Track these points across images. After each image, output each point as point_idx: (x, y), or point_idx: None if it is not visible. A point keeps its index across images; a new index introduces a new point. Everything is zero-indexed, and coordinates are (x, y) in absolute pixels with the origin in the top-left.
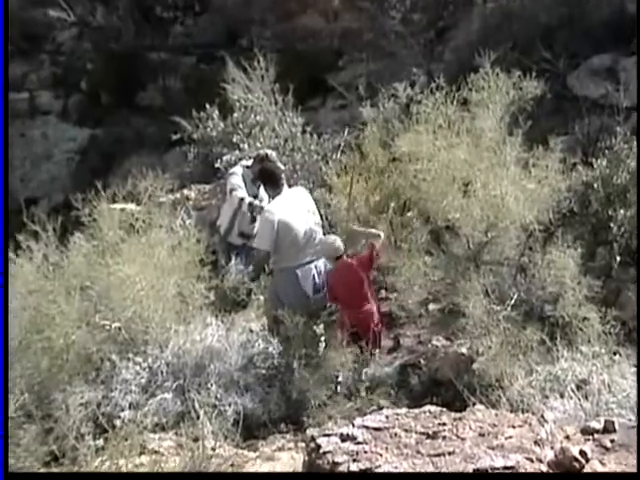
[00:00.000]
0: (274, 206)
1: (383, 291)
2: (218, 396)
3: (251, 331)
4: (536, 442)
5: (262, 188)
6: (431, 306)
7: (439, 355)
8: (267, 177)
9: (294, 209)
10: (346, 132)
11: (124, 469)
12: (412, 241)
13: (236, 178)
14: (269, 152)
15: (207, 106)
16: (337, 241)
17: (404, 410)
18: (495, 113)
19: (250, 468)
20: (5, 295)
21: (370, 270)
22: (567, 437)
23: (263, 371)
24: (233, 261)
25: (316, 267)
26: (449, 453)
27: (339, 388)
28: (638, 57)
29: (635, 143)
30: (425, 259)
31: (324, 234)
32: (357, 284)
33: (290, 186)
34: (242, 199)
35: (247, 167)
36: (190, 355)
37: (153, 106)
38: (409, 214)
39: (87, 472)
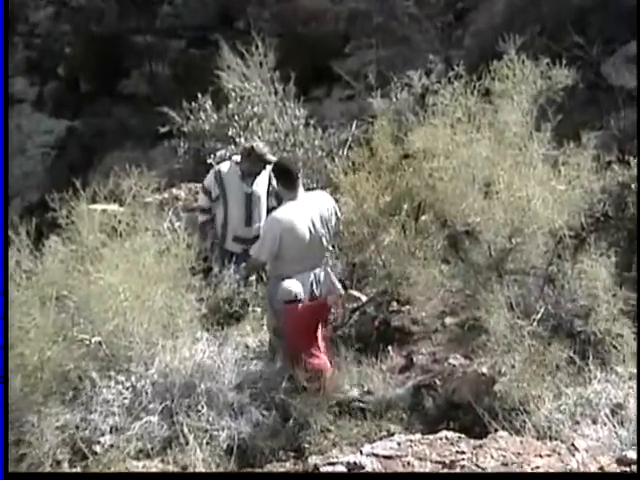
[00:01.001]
0: (280, 214)
1: (394, 303)
2: (209, 419)
3: (247, 347)
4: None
5: (258, 181)
6: (448, 320)
7: (457, 375)
8: (281, 177)
9: (303, 217)
10: (354, 126)
11: None
12: (427, 247)
13: (207, 179)
14: (255, 144)
15: (199, 96)
16: (293, 287)
17: (418, 436)
18: (521, 105)
19: None
20: (5, 295)
21: (326, 315)
22: (601, 468)
23: (260, 391)
24: (228, 269)
25: (315, 275)
26: None
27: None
28: (638, 57)
29: None
30: (441, 268)
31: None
32: (312, 328)
33: (311, 189)
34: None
35: (236, 163)
36: (178, 373)
37: (138, 95)
38: (424, 217)
39: (87, 472)
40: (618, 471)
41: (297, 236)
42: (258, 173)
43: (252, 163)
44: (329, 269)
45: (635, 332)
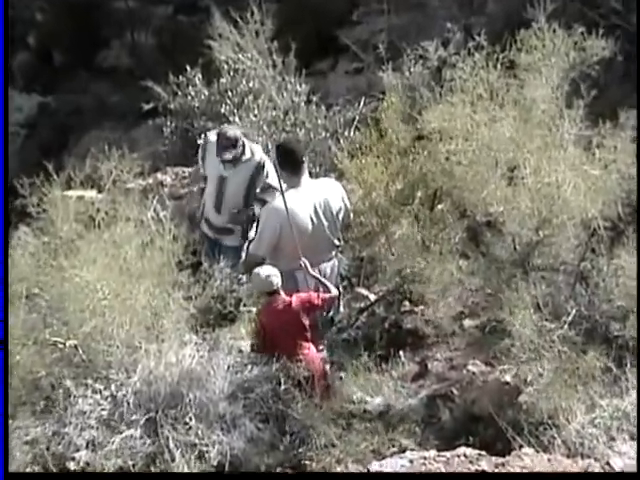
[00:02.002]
0: (279, 202)
1: (407, 303)
2: (198, 433)
3: (240, 351)
4: None
5: (241, 168)
6: (467, 322)
7: (476, 384)
8: (284, 160)
9: (306, 206)
10: (362, 103)
11: None
12: (443, 240)
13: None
14: (222, 128)
15: (187, 68)
16: (272, 275)
17: (432, 453)
18: (550, 80)
19: None
20: (5, 294)
21: (312, 314)
22: None
23: (255, 402)
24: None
25: (320, 270)
26: None
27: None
28: (638, 56)
29: None
30: (460, 263)
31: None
32: (295, 327)
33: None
34: None
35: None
36: (164, 381)
37: (119, 68)
38: (440, 206)
39: (87, 472)
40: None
41: (298, 227)
42: (236, 160)
43: (223, 148)
44: (336, 265)
45: None
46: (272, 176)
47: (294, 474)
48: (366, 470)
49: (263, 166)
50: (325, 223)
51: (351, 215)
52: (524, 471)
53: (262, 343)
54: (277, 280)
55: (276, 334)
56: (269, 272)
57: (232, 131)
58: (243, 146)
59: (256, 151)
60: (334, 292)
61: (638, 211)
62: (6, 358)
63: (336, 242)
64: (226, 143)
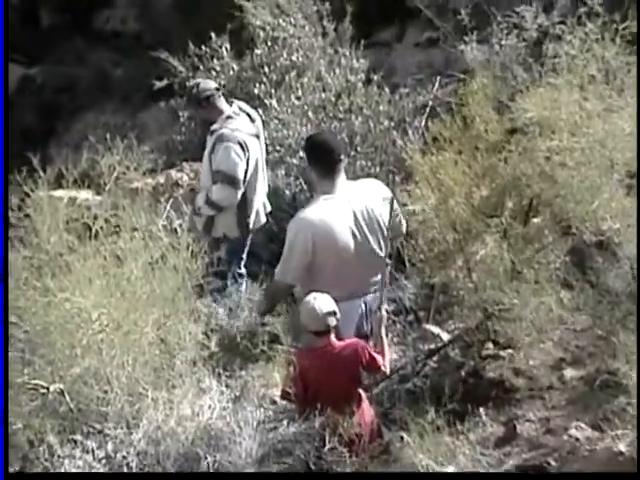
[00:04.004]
0: (312, 214)
1: (490, 345)
2: None
3: (274, 402)
4: None
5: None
6: (569, 372)
7: (581, 453)
8: (314, 158)
9: (345, 217)
10: (436, 84)
11: None
12: (540, 265)
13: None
14: (202, 82)
15: (212, 36)
16: (331, 310)
17: None
18: None
19: None
20: (5, 292)
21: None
22: None
23: (292, 468)
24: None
25: (366, 304)
26: None
27: None
28: (638, 56)
29: None
30: (561, 295)
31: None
32: (345, 376)
33: (349, 178)
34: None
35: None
36: (175, 440)
37: (124, 33)
38: (536, 220)
39: (87, 472)
40: None
41: (338, 246)
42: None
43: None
44: (385, 295)
45: None
46: (225, 160)
47: (295, 474)
48: None
49: (220, 139)
50: (371, 238)
51: (404, 225)
52: None
53: (300, 393)
54: (336, 318)
55: (320, 383)
56: (328, 306)
57: (204, 84)
58: (215, 108)
59: (233, 121)
60: (387, 368)
61: (638, 211)
62: (6, 357)
63: (387, 261)
64: (192, 99)
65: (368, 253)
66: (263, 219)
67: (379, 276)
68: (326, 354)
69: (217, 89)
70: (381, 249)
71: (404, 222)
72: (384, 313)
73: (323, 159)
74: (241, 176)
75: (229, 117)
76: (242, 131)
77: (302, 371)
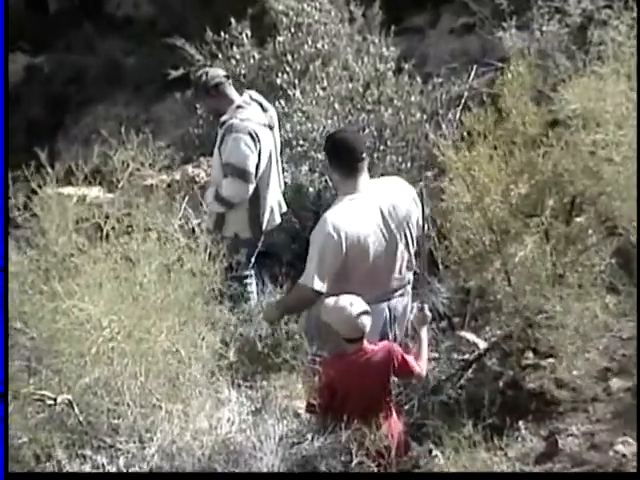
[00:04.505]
0: (340, 217)
1: (530, 354)
2: None
3: (298, 415)
4: None
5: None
6: (615, 383)
7: (628, 469)
8: (335, 156)
9: (373, 219)
10: (472, 73)
11: None
12: (584, 267)
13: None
14: (210, 70)
15: (232, 22)
16: (364, 315)
17: None
18: None
19: None
20: (5, 291)
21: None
22: None
23: None
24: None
25: (390, 309)
26: None
27: None
28: (638, 54)
29: None
30: (607, 300)
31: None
32: (376, 385)
33: (379, 174)
34: None
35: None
36: (191, 455)
37: (137, 19)
38: (580, 219)
39: (87, 472)
40: None
41: (370, 247)
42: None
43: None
44: (409, 304)
45: None
46: (234, 151)
47: (296, 474)
48: None
49: (229, 130)
50: (398, 236)
51: (429, 226)
52: None
53: (326, 404)
54: (369, 323)
55: (350, 393)
56: (361, 309)
57: (213, 72)
58: (224, 97)
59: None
60: (423, 371)
61: (638, 211)
62: (6, 356)
63: (414, 263)
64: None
65: (396, 254)
66: (278, 219)
67: (405, 279)
68: (357, 360)
69: (227, 77)
70: (409, 249)
71: (429, 227)
72: (427, 312)
73: (345, 159)
74: (252, 169)
75: (239, 107)
76: (253, 121)
77: (329, 380)
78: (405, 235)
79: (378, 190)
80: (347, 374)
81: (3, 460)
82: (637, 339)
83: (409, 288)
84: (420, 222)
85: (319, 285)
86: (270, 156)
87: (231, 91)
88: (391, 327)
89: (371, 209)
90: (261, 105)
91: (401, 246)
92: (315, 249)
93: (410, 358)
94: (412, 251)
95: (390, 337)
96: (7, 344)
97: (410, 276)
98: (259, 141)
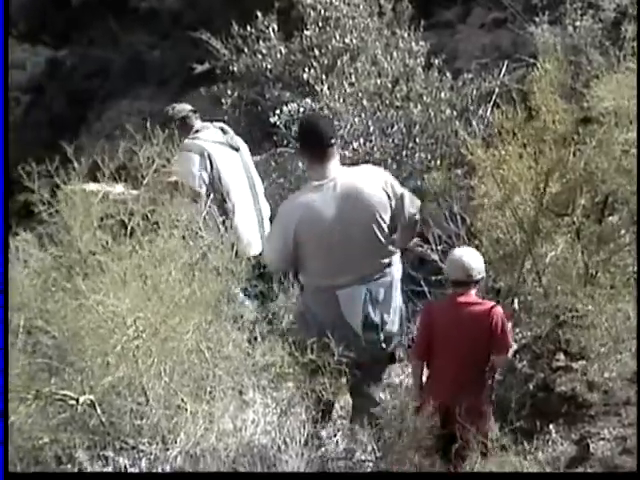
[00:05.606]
0: (293, 200)
1: (561, 356)
2: None
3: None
4: None
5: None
6: None
7: None
8: (304, 143)
9: (329, 204)
10: (503, 69)
11: None
12: (617, 268)
13: None
14: (177, 106)
15: (258, 15)
16: (471, 259)
17: None
18: None
19: None
20: (5, 292)
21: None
22: None
23: None
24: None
25: (370, 292)
26: None
27: None
28: (638, 55)
29: None
30: None
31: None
32: (473, 340)
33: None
34: None
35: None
36: (215, 457)
37: (162, 12)
38: (612, 219)
39: (88, 472)
40: None
41: (317, 234)
42: None
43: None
44: (396, 287)
45: None
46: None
47: (295, 474)
48: None
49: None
50: (366, 222)
51: (413, 209)
52: None
53: (425, 346)
54: (478, 269)
55: (447, 337)
56: (467, 255)
57: (180, 106)
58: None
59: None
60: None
61: (638, 212)
62: (6, 356)
63: (390, 248)
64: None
65: (365, 239)
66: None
67: (380, 264)
68: (459, 305)
69: (193, 111)
70: (379, 235)
71: (413, 210)
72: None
73: (313, 145)
74: (198, 186)
75: (197, 130)
76: (208, 140)
77: (429, 320)
78: (376, 221)
79: (346, 177)
80: (447, 315)
81: (3, 460)
82: (637, 339)
83: (393, 273)
84: (395, 208)
85: (273, 266)
86: (234, 175)
87: (197, 122)
88: (374, 311)
89: (335, 195)
90: (222, 129)
91: (369, 232)
92: (271, 227)
93: (509, 332)
94: (383, 236)
95: (376, 320)
96: (7, 345)
97: (387, 261)
98: (210, 159)
